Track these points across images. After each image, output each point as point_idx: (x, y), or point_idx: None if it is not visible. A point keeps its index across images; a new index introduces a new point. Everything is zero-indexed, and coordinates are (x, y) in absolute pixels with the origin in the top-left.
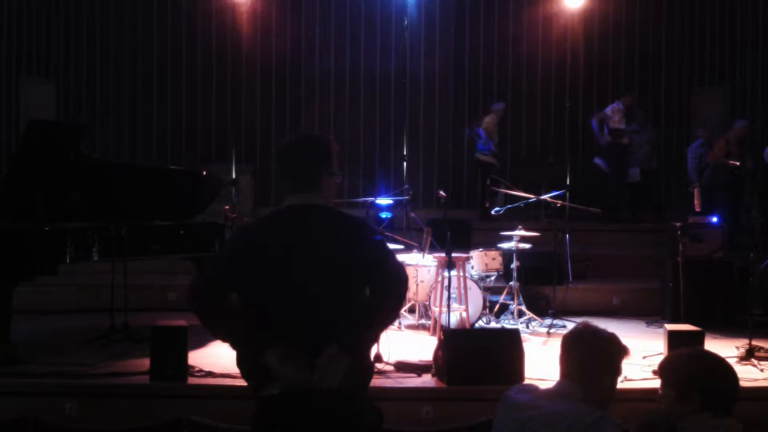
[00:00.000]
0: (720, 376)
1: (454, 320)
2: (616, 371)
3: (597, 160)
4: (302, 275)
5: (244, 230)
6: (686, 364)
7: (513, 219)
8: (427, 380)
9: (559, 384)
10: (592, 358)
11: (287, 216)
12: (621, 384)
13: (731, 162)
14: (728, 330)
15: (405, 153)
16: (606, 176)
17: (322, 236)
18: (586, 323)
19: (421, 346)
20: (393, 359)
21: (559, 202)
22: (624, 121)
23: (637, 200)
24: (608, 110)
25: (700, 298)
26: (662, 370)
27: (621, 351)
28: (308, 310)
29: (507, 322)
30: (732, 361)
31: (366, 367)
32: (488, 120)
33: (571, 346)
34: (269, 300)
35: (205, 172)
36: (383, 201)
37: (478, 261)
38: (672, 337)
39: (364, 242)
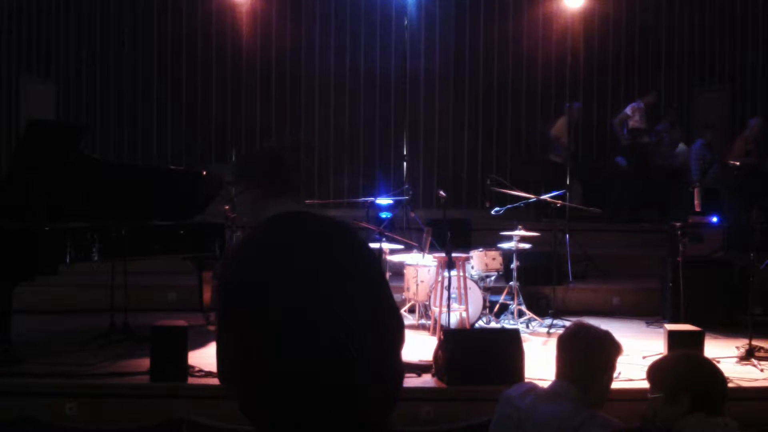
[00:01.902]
0: (707, 376)
1: (454, 320)
2: (612, 369)
3: (619, 159)
4: (338, 287)
5: (256, 251)
6: (673, 366)
7: (513, 219)
8: (427, 380)
9: (554, 384)
10: (587, 357)
11: (304, 224)
12: (621, 384)
13: (731, 162)
14: (728, 330)
15: (405, 153)
16: (626, 175)
17: (350, 244)
18: (579, 322)
19: (421, 346)
20: None
21: (559, 202)
22: (644, 121)
23: (665, 198)
24: (628, 110)
25: (700, 298)
26: (650, 374)
27: (615, 349)
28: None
29: (507, 322)
30: (732, 361)
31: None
32: (560, 122)
33: (567, 346)
34: (306, 316)
35: (205, 172)
36: (383, 201)
37: (478, 261)
38: (672, 337)
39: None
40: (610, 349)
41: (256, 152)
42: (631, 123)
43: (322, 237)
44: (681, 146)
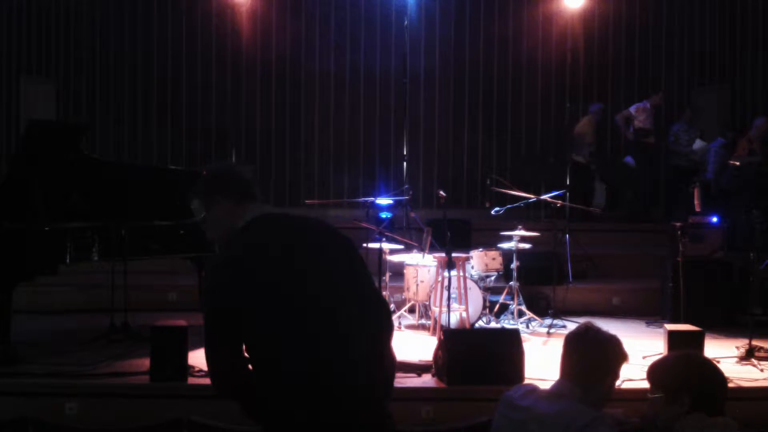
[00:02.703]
0: (707, 375)
1: (454, 320)
2: (615, 374)
3: (628, 159)
4: (322, 284)
5: (239, 257)
6: (673, 366)
7: (513, 219)
8: (427, 380)
9: (557, 383)
10: (592, 358)
11: (285, 224)
12: (621, 384)
13: (731, 162)
14: (728, 330)
15: (405, 153)
16: (635, 175)
17: (335, 241)
18: (589, 323)
19: (421, 346)
20: None
21: (559, 202)
22: (651, 121)
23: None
24: (633, 109)
25: (700, 298)
26: (650, 374)
27: (621, 355)
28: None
29: (507, 322)
30: (732, 361)
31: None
32: (582, 122)
33: (573, 345)
34: (307, 315)
35: (205, 172)
36: (383, 201)
37: (478, 261)
38: (672, 337)
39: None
40: (615, 353)
41: (214, 171)
42: (636, 123)
43: (309, 234)
44: (698, 142)
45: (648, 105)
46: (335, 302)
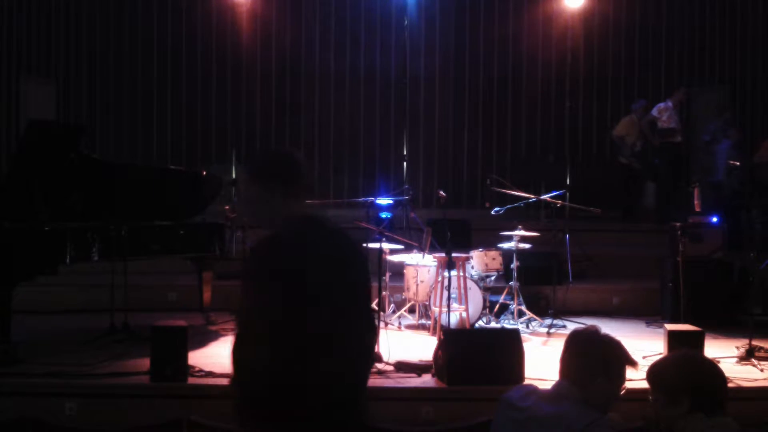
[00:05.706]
0: (707, 376)
1: (454, 320)
2: (613, 375)
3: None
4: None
5: (297, 250)
6: (673, 367)
7: (513, 219)
8: (427, 380)
9: (557, 384)
10: (589, 359)
11: (331, 229)
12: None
13: (731, 162)
14: (728, 330)
15: (405, 153)
16: (661, 175)
17: (360, 256)
18: (592, 326)
19: (421, 346)
20: (393, 359)
21: (559, 202)
22: (674, 119)
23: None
24: (654, 111)
25: (700, 298)
26: (650, 376)
27: (623, 359)
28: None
29: (507, 322)
30: (732, 361)
31: None
32: (623, 122)
33: (571, 346)
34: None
35: (205, 172)
36: (383, 201)
37: (478, 261)
38: (672, 337)
39: None
40: (614, 355)
41: (274, 154)
42: (660, 123)
43: (356, 250)
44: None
45: (670, 104)
46: (355, 319)
